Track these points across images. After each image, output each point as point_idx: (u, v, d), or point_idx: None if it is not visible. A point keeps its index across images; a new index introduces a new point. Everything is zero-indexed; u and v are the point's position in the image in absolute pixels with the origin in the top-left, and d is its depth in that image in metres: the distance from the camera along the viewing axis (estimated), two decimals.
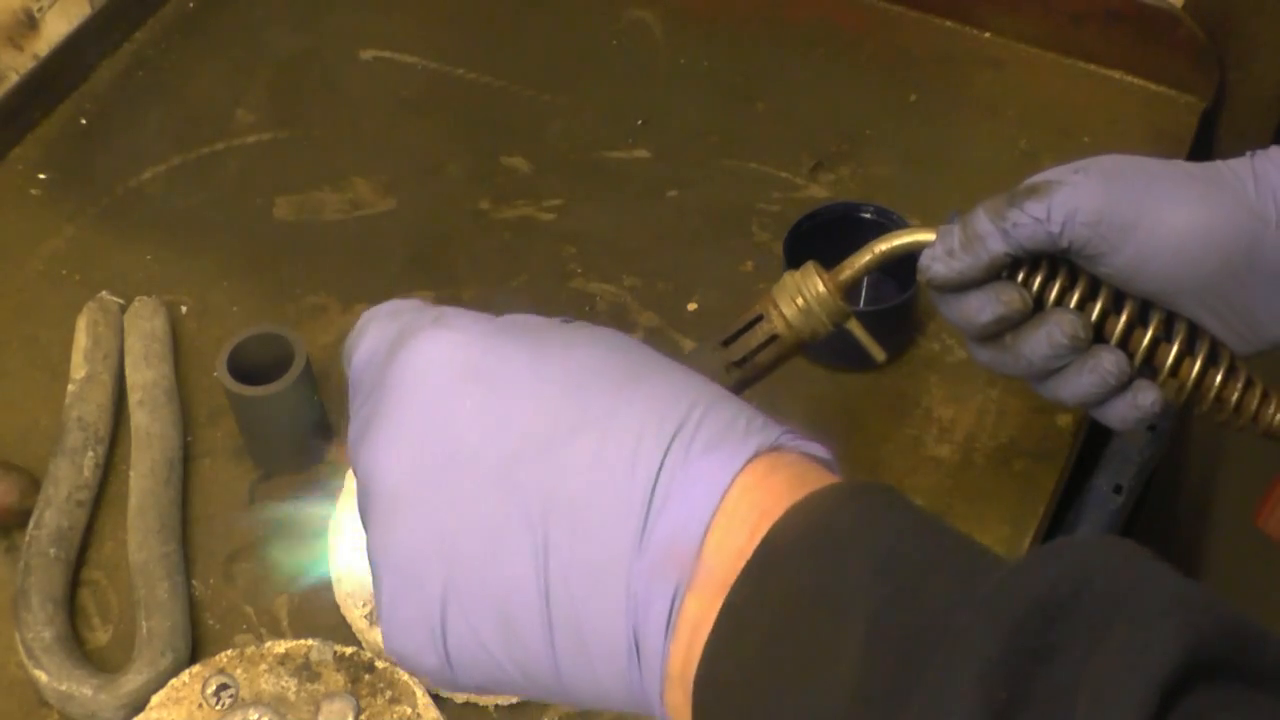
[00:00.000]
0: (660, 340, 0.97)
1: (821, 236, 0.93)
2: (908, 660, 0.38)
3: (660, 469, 0.43)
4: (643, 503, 0.43)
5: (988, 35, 1.17)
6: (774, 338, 0.69)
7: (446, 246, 1.05)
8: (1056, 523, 0.94)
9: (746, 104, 1.14)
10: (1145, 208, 0.64)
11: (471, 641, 0.45)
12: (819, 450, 0.46)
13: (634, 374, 0.46)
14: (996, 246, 0.66)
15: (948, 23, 1.18)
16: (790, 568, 0.41)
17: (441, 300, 0.56)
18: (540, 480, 0.44)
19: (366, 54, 1.18)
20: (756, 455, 0.44)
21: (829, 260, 0.71)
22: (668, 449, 0.43)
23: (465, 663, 0.46)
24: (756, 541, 0.42)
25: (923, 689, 0.37)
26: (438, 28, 1.20)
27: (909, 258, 0.69)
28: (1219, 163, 0.68)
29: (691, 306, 1.00)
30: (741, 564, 0.42)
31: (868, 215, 0.96)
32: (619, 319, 0.99)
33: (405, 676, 0.78)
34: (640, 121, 1.12)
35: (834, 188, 1.07)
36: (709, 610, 0.42)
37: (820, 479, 0.44)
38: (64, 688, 0.78)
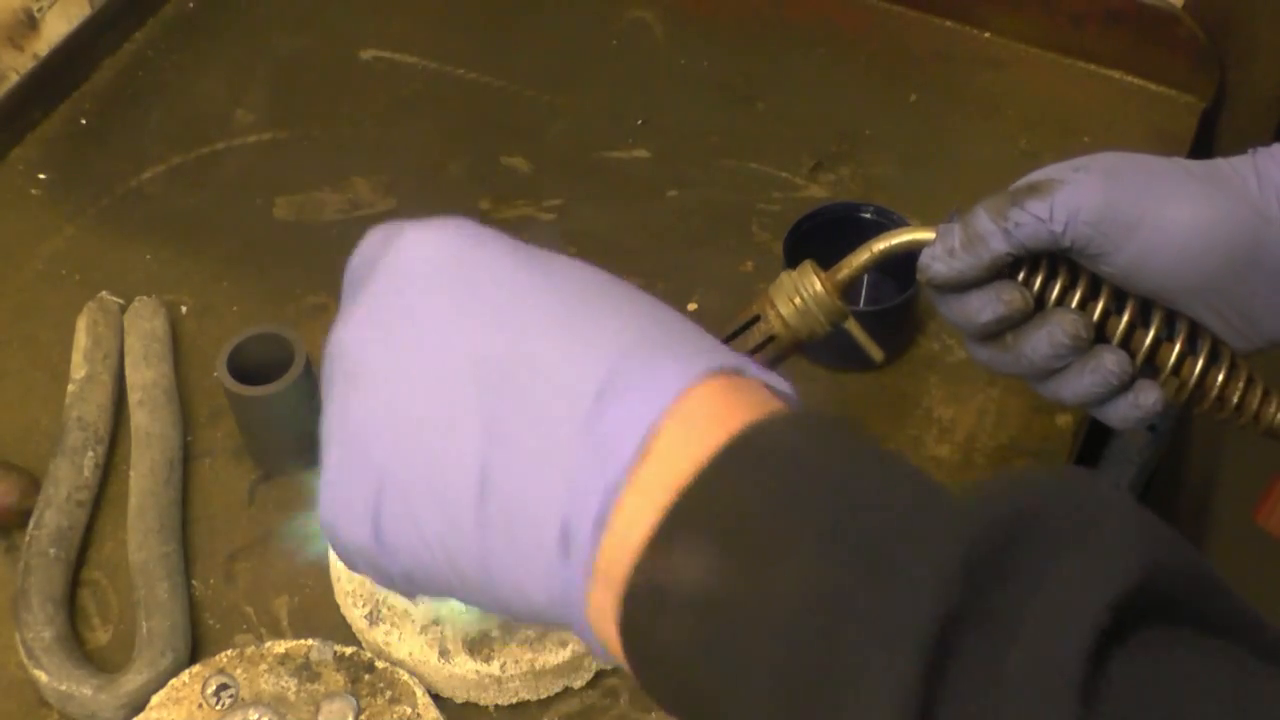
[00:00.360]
0: None
1: (821, 236, 0.93)
2: (863, 564, 0.38)
3: (619, 369, 0.43)
4: (595, 393, 0.42)
5: (988, 35, 1.17)
6: (771, 338, 0.69)
7: None
8: None
9: (746, 104, 1.14)
10: (1147, 206, 0.64)
11: (405, 519, 0.45)
12: (783, 385, 0.46)
13: (610, 291, 0.47)
14: (998, 246, 0.65)
15: (948, 23, 1.18)
16: (745, 480, 0.41)
17: None
18: (502, 371, 0.44)
19: (366, 54, 1.18)
20: (719, 371, 0.44)
21: (828, 261, 0.70)
22: (630, 351, 0.43)
23: (395, 542, 0.45)
24: (711, 450, 0.41)
25: (875, 589, 0.37)
26: (438, 28, 1.20)
27: (908, 257, 0.69)
28: (1220, 160, 0.67)
29: (691, 307, 1.00)
30: (693, 470, 0.41)
31: (868, 215, 0.96)
32: None
33: (405, 676, 0.78)
34: (640, 121, 1.12)
35: (834, 188, 1.07)
36: (650, 510, 0.41)
37: (781, 406, 0.44)
38: (64, 688, 0.78)
